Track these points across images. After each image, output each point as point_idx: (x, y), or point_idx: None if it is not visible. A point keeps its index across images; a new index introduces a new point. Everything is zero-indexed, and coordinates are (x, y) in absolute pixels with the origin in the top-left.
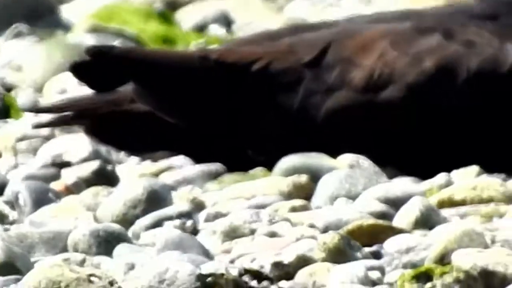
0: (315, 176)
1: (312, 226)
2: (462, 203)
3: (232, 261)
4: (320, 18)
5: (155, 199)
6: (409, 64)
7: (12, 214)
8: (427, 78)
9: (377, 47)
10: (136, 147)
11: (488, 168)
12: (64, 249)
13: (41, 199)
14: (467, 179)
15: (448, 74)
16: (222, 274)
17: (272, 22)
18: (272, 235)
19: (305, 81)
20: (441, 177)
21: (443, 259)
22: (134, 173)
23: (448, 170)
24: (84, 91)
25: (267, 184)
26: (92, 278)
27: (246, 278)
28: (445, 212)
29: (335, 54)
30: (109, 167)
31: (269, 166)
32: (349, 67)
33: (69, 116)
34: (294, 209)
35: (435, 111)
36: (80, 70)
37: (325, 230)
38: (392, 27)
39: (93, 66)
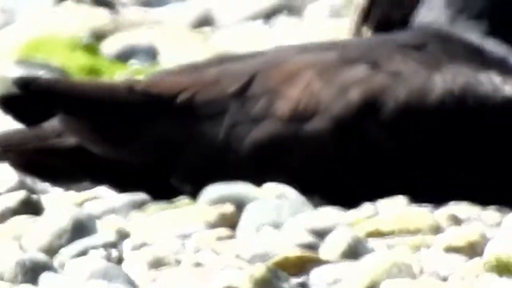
0: (240, 205)
1: (238, 256)
2: (390, 233)
3: None
4: (246, 48)
5: (80, 228)
6: (335, 95)
7: None
8: (353, 109)
9: (302, 78)
10: (62, 178)
11: (415, 198)
12: None
13: None
14: (394, 210)
15: (375, 105)
16: None
17: (198, 53)
18: (198, 265)
19: (230, 112)
20: (368, 208)
21: None
22: (59, 203)
23: (375, 200)
24: (12, 124)
25: (192, 213)
26: None
27: None
28: (372, 242)
29: (261, 84)
30: (35, 197)
31: (194, 195)
32: (274, 98)
33: None
34: (219, 239)
35: (361, 142)
36: (7, 103)
37: (251, 260)
38: (318, 58)
39: (21, 98)
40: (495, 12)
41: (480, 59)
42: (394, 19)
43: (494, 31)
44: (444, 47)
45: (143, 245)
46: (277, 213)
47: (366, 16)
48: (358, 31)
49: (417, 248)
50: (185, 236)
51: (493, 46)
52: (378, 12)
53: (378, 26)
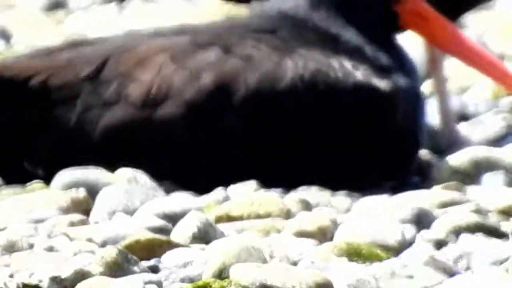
0: (93, 190)
1: (90, 240)
2: (240, 218)
3: (11, 276)
4: (99, 32)
5: None
6: (187, 79)
7: None
8: (205, 94)
9: (155, 62)
10: None
11: (266, 183)
12: None
13: None
14: (244, 195)
15: (226, 90)
16: None
17: (51, 36)
18: (50, 249)
19: (83, 96)
20: (218, 192)
21: (221, 274)
22: None
23: (226, 185)
24: None
25: (45, 198)
26: None
27: None
28: (222, 227)
29: (113, 68)
30: None
31: (48, 180)
32: (127, 82)
33: None
34: (72, 224)
35: (212, 127)
36: None
37: (103, 244)
38: (170, 42)
39: None
40: (354, 4)
41: (334, 46)
42: None
43: (352, 22)
44: (298, 34)
45: None
46: (129, 199)
47: None
48: None
49: (267, 233)
50: (38, 221)
51: (350, 36)
52: None
53: None
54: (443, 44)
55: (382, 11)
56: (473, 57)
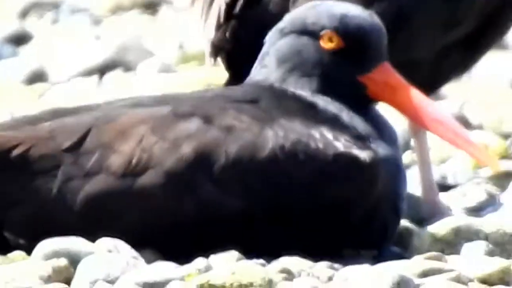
0: (74, 260)
1: None
2: (222, 287)
3: None
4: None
5: None
6: (167, 149)
7: None
8: (185, 164)
9: (135, 133)
10: None
11: (247, 252)
12: None
13: None
14: (226, 264)
15: (207, 160)
16: None
17: (32, 109)
18: None
19: (64, 167)
20: (199, 262)
21: None
22: None
23: (208, 254)
24: None
25: (27, 268)
26: None
27: None
28: None
29: (95, 139)
30: None
31: (29, 250)
32: (108, 153)
33: None
34: None
35: (193, 197)
36: None
37: None
38: (150, 113)
39: None
40: (325, 72)
41: (314, 115)
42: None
43: (324, 89)
44: (277, 103)
45: None
46: (110, 268)
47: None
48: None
49: None
50: None
51: (325, 103)
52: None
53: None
54: (412, 115)
55: (348, 82)
56: (442, 129)
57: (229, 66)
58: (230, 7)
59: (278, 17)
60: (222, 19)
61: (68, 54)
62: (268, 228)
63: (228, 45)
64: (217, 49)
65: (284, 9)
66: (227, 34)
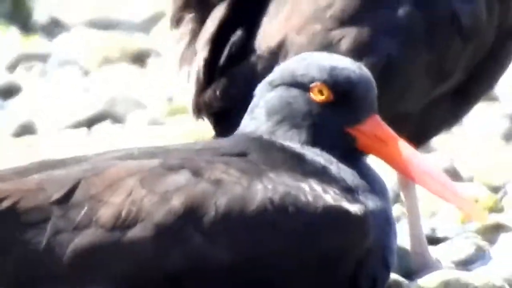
0: None
1: None
2: None
3: None
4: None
5: None
6: (156, 202)
7: None
8: (174, 217)
9: (125, 185)
10: None
11: None
12: None
13: None
14: None
15: (196, 213)
16: None
17: (20, 161)
18: None
19: (53, 219)
20: None
21: None
22: None
23: None
24: None
25: None
26: None
27: None
28: None
29: (83, 192)
30: None
31: None
32: (97, 205)
33: None
34: None
35: (181, 250)
36: None
37: None
38: (140, 165)
39: None
40: (314, 123)
41: (302, 167)
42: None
43: (313, 141)
44: (266, 156)
45: None
46: None
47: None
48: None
49: None
50: None
51: (314, 155)
52: None
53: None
54: (401, 168)
55: (337, 134)
56: (430, 182)
57: (217, 123)
58: (210, 64)
59: (268, 72)
60: (202, 78)
61: (56, 106)
62: (256, 281)
63: (219, 103)
64: (205, 107)
65: (273, 64)
66: (218, 93)
